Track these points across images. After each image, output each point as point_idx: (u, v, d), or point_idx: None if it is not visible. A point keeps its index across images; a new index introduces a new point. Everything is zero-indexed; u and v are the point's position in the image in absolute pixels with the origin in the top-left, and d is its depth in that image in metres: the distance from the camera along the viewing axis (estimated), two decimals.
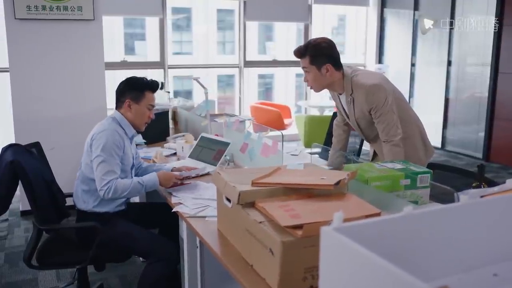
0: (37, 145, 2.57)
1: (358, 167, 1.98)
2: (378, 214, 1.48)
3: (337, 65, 2.47)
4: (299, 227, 1.38)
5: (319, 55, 2.42)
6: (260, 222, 1.50)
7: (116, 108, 2.60)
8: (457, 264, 1.12)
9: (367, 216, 1.45)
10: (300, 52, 2.46)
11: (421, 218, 1.09)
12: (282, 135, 2.45)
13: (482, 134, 6.56)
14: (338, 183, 1.60)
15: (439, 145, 7.07)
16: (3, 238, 3.88)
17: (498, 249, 1.17)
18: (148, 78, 2.62)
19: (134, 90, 2.55)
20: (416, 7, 7.44)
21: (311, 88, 2.56)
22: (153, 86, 2.60)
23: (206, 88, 3.40)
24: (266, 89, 10.50)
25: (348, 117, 2.68)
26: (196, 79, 3.42)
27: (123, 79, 2.61)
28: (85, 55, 4.38)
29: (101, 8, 4.36)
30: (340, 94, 2.60)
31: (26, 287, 3.07)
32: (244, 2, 7.15)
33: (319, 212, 1.48)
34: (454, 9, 6.78)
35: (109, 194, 2.33)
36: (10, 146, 2.32)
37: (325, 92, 2.73)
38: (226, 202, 1.77)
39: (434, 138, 6.94)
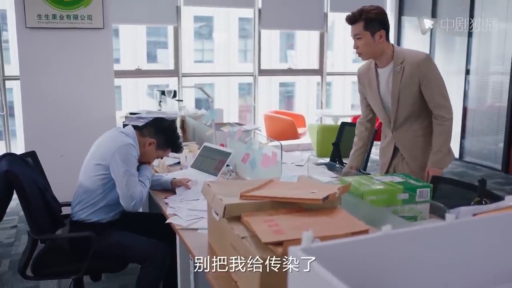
0: (32, 154, 2.56)
1: (354, 180, 1.91)
2: (366, 231, 1.41)
3: (388, 35, 2.48)
4: (280, 243, 1.32)
5: (374, 21, 2.42)
6: (243, 238, 1.44)
7: (137, 128, 2.58)
8: None
9: (353, 233, 1.38)
10: (354, 17, 2.45)
11: (401, 239, 1.02)
12: (281, 145, 2.39)
13: (501, 145, 6.37)
14: (327, 197, 1.54)
15: (457, 156, 6.88)
16: (9, 244, 3.90)
17: (488, 273, 1.09)
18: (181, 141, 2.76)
19: (165, 139, 2.59)
20: (433, 15, 7.30)
21: (359, 55, 2.53)
22: (177, 149, 2.71)
23: (211, 97, 3.37)
24: (287, 97, 10.43)
25: (381, 101, 2.61)
26: (201, 88, 3.39)
27: (170, 121, 2.78)
28: (94, 63, 4.40)
29: (111, 16, 4.38)
30: (382, 67, 2.54)
31: None
32: (259, 10, 7.13)
33: (304, 228, 1.41)
34: (473, 17, 6.62)
35: (136, 207, 2.42)
36: (5, 155, 2.31)
37: (341, 100, 2.67)
38: (214, 215, 1.72)
39: (452, 148, 6.75)
